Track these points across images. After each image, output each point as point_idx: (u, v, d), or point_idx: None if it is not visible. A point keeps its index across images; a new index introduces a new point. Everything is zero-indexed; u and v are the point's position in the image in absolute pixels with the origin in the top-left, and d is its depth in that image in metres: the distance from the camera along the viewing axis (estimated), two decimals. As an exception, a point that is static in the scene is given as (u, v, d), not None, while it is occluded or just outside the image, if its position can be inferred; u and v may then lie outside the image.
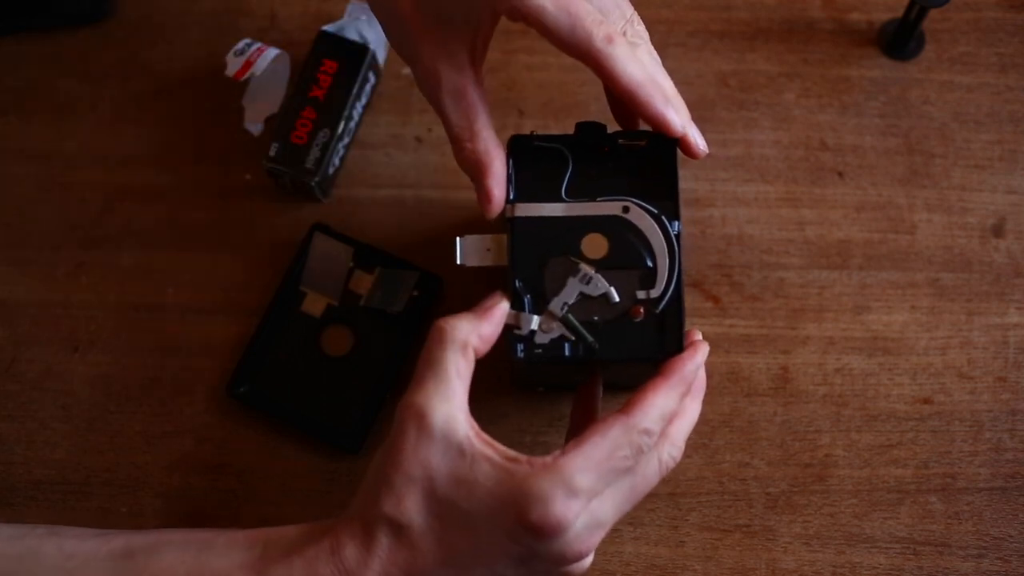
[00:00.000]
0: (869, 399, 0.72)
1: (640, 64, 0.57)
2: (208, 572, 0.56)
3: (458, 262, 0.60)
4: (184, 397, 0.72)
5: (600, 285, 0.59)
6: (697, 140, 0.59)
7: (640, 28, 0.59)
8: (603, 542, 0.70)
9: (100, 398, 0.72)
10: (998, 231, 0.74)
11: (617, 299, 0.59)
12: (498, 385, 0.71)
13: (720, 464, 0.71)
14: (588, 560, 0.57)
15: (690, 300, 0.73)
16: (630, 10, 0.58)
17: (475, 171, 0.59)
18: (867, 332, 0.73)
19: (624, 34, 0.57)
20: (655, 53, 0.59)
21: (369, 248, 0.73)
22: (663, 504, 0.70)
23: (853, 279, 0.74)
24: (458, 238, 0.60)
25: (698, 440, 0.71)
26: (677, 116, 0.57)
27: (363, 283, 0.72)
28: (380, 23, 0.63)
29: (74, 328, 0.73)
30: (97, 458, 0.71)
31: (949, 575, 0.69)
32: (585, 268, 0.59)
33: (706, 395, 0.71)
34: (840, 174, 0.75)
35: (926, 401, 0.72)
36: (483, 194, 0.59)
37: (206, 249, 0.74)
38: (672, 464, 0.57)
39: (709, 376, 0.71)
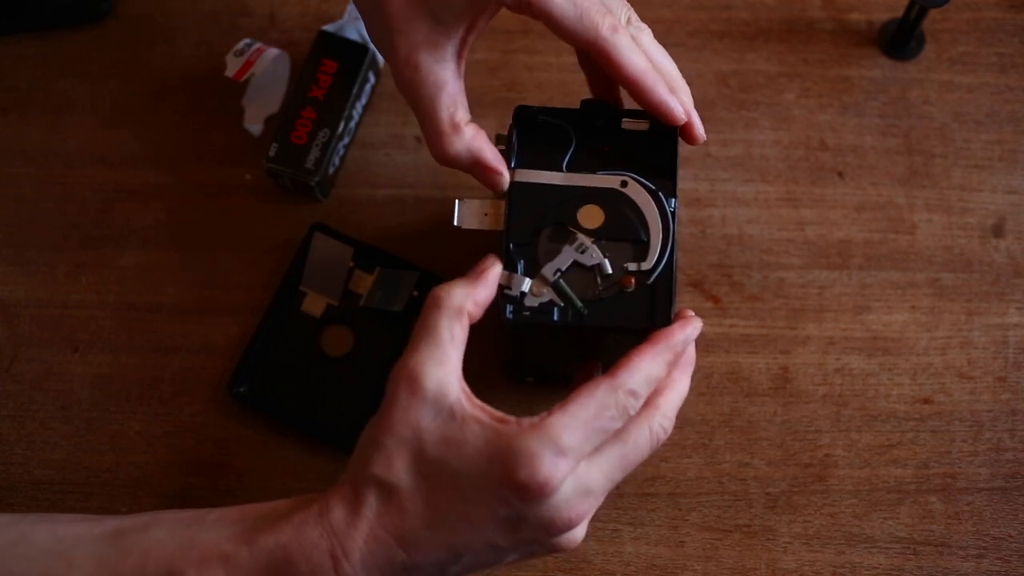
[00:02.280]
0: (869, 399, 0.72)
1: (642, 54, 0.58)
2: (197, 544, 0.56)
3: (455, 223, 0.61)
4: (184, 397, 0.72)
5: (595, 255, 0.59)
6: (697, 125, 0.60)
7: (638, 21, 0.60)
8: (603, 542, 0.70)
9: (100, 398, 0.72)
10: (998, 231, 0.74)
11: (610, 271, 0.59)
12: (496, 381, 0.71)
13: (720, 464, 0.71)
14: (579, 532, 0.56)
15: (690, 300, 0.73)
16: (628, 7, 0.60)
17: (471, 161, 0.59)
18: (867, 332, 0.73)
19: (629, 22, 0.59)
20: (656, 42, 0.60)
21: (369, 248, 0.73)
22: (663, 504, 0.70)
23: (853, 279, 0.74)
24: (456, 200, 0.61)
25: (698, 440, 0.71)
26: (679, 105, 0.59)
27: (363, 283, 0.72)
28: (361, 13, 0.62)
29: (74, 328, 0.73)
30: (97, 458, 0.71)
31: (949, 575, 0.69)
32: (582, 238, 0.59)
33: (706, 395, 0.71)
34: (840, 174, 0.75)
35: (926, 401, 0.72)
36: (490, 173, 0.59)
37: (206, 249, 0.74)
38: (663, 436, 0.57)
39: (709, 376, 0.72)
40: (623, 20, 0.59)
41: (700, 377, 0.71)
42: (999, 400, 0.72)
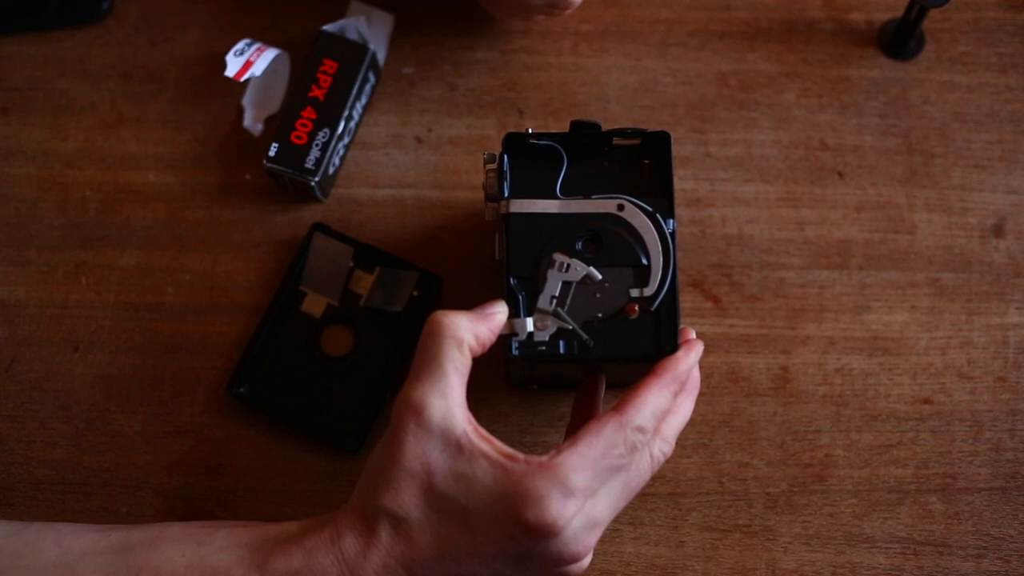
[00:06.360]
0: (869, 399, 0.72)
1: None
2: (208, 566, 0.56)
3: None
4: (184, 397, 0.72)
5: (579, 268, 0.59)
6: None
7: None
8: (603, 542, 0.70)
9: (100, 398, 0.72)
10: (998, 231, 0.74)
11: (599, 277, 0.59)
12: (497, 384, 0.71)
13: (720, 464, 0.71)
14: (586, 560, 0.57)
15: (690, 300, 0.73)
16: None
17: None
18: (867, 332, 0.73)
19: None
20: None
21: (369, 248, 0.73)
22: (663, 504, 0.70)
23: (853, 279, 0.73)
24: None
25: (698, 440, 0.71)
26: None
27: (363, 283, 0.72)
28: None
29: (74, 328, 0.73)
30: (97, 458, 0.71)
31: (949, 575, 0.69)
32: (559, 257, 0.59)
33: (706, 395, 0.71)
34: (840, 174, 0.75)
35: (926, 401, 0.72)
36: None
37: (206, 249, 0.74)
38: (662, 459, 0.58)
39: (709, 376, 0.72)
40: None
41: (700, 377, 0.71)
42: (999, 400, 0.72)
